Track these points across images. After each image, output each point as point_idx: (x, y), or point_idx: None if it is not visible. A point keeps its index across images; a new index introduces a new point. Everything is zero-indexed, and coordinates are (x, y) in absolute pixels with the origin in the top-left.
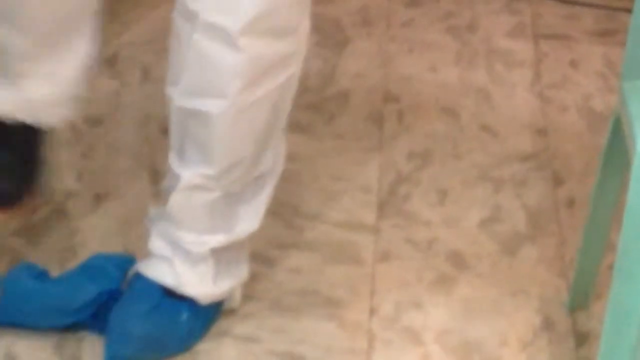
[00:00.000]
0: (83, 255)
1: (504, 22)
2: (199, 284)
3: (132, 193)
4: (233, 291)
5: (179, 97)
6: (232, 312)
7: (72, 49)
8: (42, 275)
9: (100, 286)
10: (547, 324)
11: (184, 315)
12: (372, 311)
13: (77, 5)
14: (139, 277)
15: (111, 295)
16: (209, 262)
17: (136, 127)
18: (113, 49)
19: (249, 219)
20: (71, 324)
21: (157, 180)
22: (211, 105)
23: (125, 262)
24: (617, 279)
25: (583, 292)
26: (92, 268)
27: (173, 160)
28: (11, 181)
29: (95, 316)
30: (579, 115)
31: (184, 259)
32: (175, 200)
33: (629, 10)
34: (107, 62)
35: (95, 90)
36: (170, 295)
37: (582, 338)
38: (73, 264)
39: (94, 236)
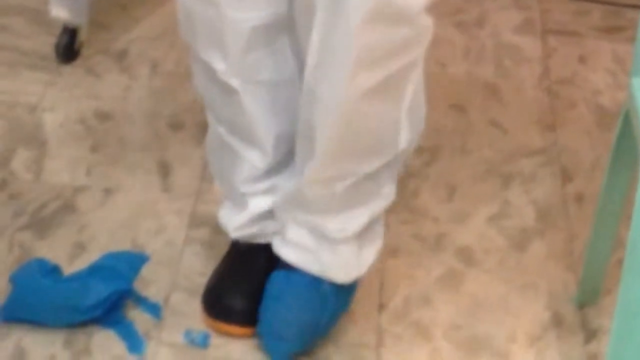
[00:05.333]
0: (92, 249)
1: (512, 18)
2: (344, 268)
3: (141, 187)
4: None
5: (308, 76)
6: None
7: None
8: (53, 271)
9: (112, 286)
10: (556, 320)
11: (332, 296)
12: (381, 306)
13: None
14: (278, 272)
15: (122, 294)
16: (352, 243)
17: (145, 122)
18: (123, 44)
19: (386, 194)
20: (81, 322)
21: (166, 174)
22: (328, 91)
23: (137, 260)
24: (626, 274)
25: (592, 288)
26: (104, 267)
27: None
28: (247, 301)
29: (106, 314)
30: (587, 110)
31: (327, 246)
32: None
33: (637, 7)
34: (117, 57)
35: (105, 85)
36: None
37: (591, 333)
38: (82, 258)
39: (103, 230)
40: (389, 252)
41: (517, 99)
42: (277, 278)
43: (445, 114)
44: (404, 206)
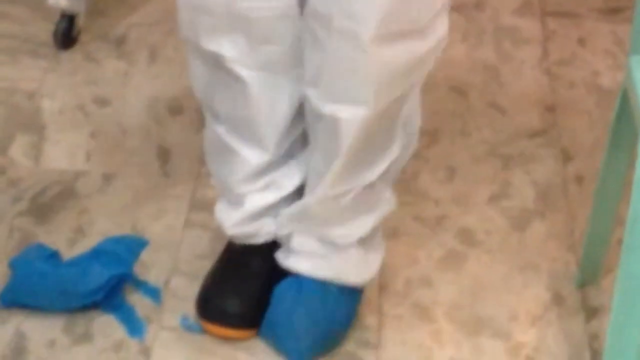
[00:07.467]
0: (92, 234)
1: (511, 0)
2: (354, 270)
3: (140, 172)
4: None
5: (317, 100)
6: None
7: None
8: (53, 256)
9: (112, 270)
10: (557, 299)
11: (344, 299)
12: (382, 288)
13: None
14: (289, 278)
15: (122, 278)
16: (358, 248)
17: (144, 107)
18: (121, 30)
19: (387, 200)
20: (81, 307)
21: (166, 159)
22: (345, 112)
23: (137, 244)
24: (625, 252)
25: (592, 267)
26: (104, 252)
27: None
28: (243, 304)
29: (105, 298)
30: (587, 91)
31: (336, 251)
32: (318, 207)
33: None
34: (116, 43)
35: (104, 71)
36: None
37: (591, 312)
38: (82, 243)
39: (103, 215)
40: (390, 234)
41: (516, 80)
42: (287, 287)
43: (445, 96)
44: (404, 188)
